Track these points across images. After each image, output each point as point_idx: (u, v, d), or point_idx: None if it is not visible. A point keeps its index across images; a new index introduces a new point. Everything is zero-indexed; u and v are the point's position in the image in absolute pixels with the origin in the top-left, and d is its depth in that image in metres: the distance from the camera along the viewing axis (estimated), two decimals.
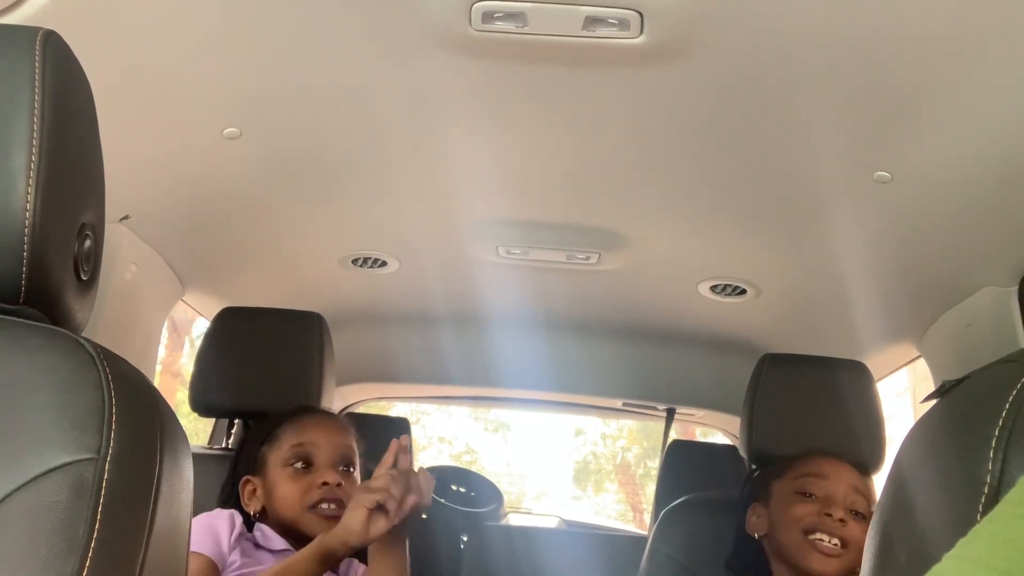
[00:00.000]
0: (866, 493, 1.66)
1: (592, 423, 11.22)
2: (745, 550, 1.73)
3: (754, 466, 1.87)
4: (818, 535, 1.58)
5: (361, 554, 1.66)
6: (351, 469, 1.64)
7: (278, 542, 1.55)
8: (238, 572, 1.48)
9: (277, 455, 1.63)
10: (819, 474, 1.66)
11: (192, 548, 1.43)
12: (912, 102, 1.27)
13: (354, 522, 1.40)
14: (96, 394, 0.73)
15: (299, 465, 1.61)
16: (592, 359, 2.59)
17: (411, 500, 1.43)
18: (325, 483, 1.58)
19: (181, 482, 0.80)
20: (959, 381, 0.70)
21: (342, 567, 1.62)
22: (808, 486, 1.65)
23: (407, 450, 1.49)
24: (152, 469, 0.75)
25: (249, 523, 1.60)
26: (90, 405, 0.72)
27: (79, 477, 0.69)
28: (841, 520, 1.57)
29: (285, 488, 1.59)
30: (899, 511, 0.72)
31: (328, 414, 1.76)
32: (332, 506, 1.56)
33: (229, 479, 1.69)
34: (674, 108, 1.38)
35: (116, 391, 0.73)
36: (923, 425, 0.74)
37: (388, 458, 1.47)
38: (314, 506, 1.57)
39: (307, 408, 1.77)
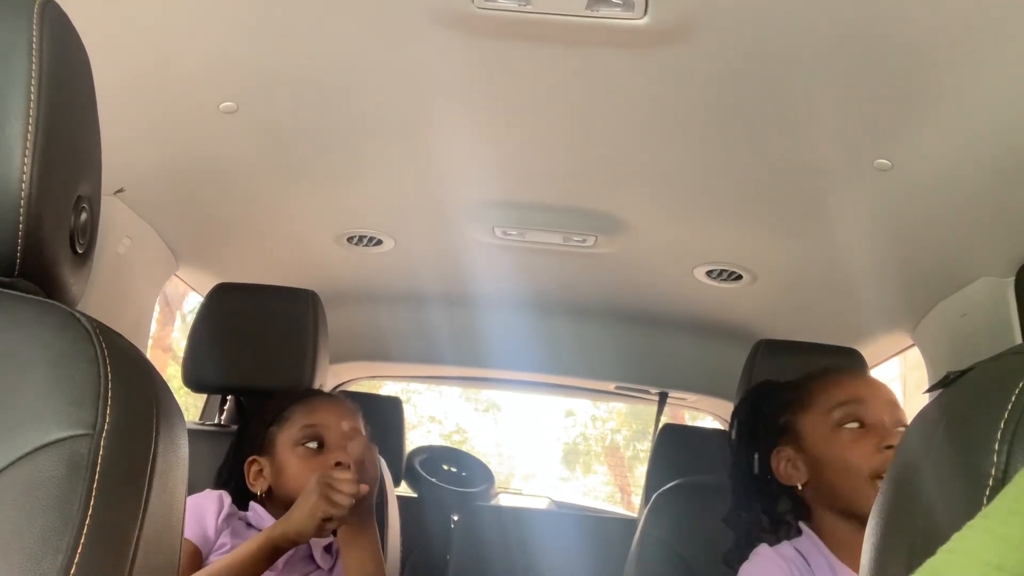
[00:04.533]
0: (899, 402, 1.46)
1: (582, 405, 11.25)
2: (775, 505, 1.48)
3: (746, 399, 1.68)
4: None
5: None
6: None
7: (271, 522, 1.55)
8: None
9: (287, 435, 1.63)
10: (858, 399, 1.43)
11: None
12: (915, 90, 1.27)
13: (307, 527, 1.41)
14: (92, 369, 0.72)
15: (311, 445, 1.61)
16: (586, 342, 2.59)
17: (364, 489, 1.45)
18: (338, 463, 1.58)
19: (177, 458, 0.80)
20: (963, 372, 0.70)
21: (335, 545, 1.63)
22: (853, 416, 1.41)
23: (360, 433, 1.50)
24: (148, 445, 0.74)
25: (242, 502, 1.60)
26: (85, 380, 0.71)
27: (74, 453, 0.68)
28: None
29: (296, 468, 1.59)
30: (901, 504, 0.71)
31: (338, 398, 1.76)
32: None
33: (230, 459, 1.68)
34: (675, 91, 1.37)
35: (112, 366, 0.73)
36: (924, 418, 0.73)
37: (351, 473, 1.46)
38: None
39: (316, 391, 1.79)
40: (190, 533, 1.48)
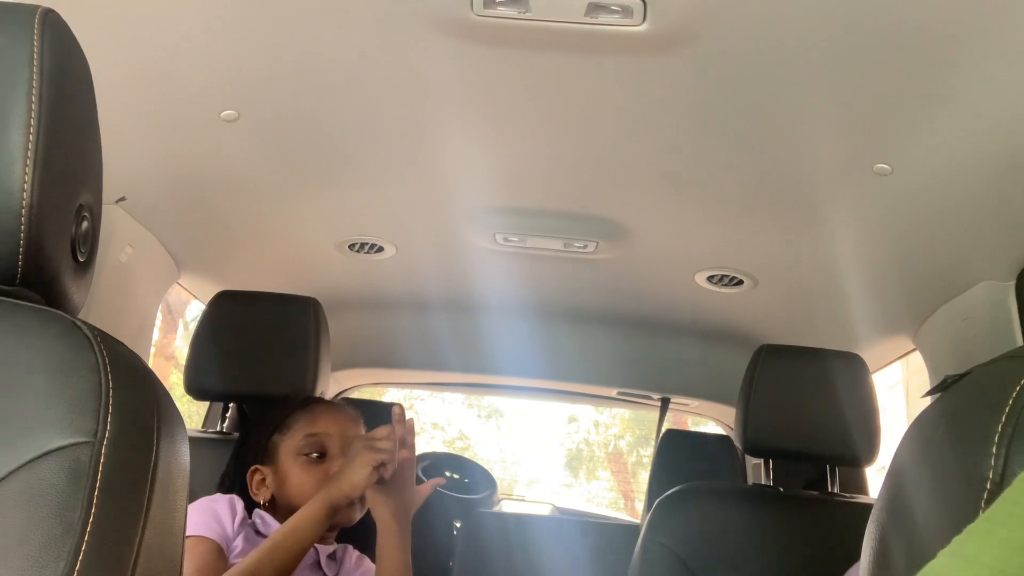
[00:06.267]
0: None
1: (585, 411, 11.25)
2: None
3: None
4: None
5: (355, 540, 1.66)
6: None
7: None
8: (240, 559, 1.47)
9: (290, 444, 1.63)
10: None
11: (197, 532, 1.44)
12: (914, 95, 1.27)
13: (360, 477, 1.45)
14: (93, 377, 0.72)
15: (313, 455, 1.62)
16: (588, 348, 2.59)
17: (403, 454, 1.50)
18: None
19: (178, 466, 0.80)
20: (961, 376, 0.70)
21: (338, 553, 1.63)
22: None
23: (402, 419, 1.53)
24: (149, 453, 0.74)
25: (247, 508, 1.60)
26: (87, 388, 0.71)
27: (75, 460, 0.69)
28: None
29: (299, 477, 1.60)
30: (898, 508, 0.71)
31: (339, 405, 1.76)
32: None
33: (232, 467, 1.68)
34: (674, 97, 1.37)
35: (113, 374, 0.73)
36: (923, 421, 0.73)
37: (389, 428, 1.51)
38: None
39: (318, 399, 1.80)
40: (212, 533, 1.48)
